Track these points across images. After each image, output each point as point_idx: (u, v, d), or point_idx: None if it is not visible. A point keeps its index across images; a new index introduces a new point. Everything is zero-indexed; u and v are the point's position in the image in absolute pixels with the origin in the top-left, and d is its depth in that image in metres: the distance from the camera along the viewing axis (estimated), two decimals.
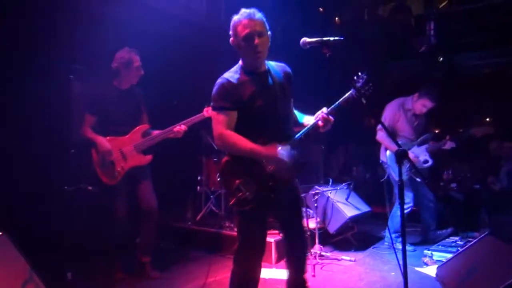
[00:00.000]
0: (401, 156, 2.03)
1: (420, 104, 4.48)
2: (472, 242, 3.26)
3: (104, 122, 3.52)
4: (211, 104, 2.33)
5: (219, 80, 2.31)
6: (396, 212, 4.51)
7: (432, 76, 6.94)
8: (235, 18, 2.29)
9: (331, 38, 2.23)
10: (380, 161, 4.70)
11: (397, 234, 4.48)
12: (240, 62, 2.38)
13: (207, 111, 3.54)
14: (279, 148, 2.22)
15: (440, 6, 8.03)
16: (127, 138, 3.51)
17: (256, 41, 2.22)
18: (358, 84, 2.36)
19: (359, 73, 2.39)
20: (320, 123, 2.34)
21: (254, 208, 2.23)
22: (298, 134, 2.36)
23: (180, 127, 3.55)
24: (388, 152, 4.51)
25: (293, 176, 2.41)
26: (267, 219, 2.45)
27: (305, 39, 2.27)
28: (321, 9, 8.68)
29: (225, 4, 6.46)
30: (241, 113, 2.28)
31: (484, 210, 5.16)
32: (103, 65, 3.67)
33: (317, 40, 2.25)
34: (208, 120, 3.83)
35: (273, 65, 2.45)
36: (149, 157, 3.58)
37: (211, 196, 5.15)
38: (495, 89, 6.58)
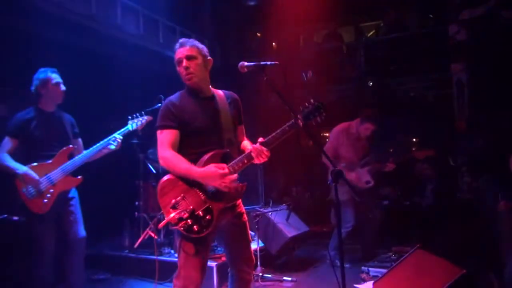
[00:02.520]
0: (336, 176, 2.12)
1: (364, 128, 4.73)
2: (404, 256, 3.42)
3: (28, 147, 3.26)
4: (156, 125, 2.38)
5: (164, 102, 2.42)
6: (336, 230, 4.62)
7: (363, 99, 7.35)
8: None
9: (268, 63, 2.30)
10: (328, 182, 4.82)
11: (336, 252, 4.59)
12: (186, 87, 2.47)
13: (132, 124, 3.45)
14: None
15: (369, 35, 8.63)
16: (53, 162, 3.26)
17: (185, 63, 2.34)
18: (304, 112, 2.29)
19: (311, 100, 2.31)
20: (252, 154, 2.29)
21: (189, 228, 2.21)
22: (231, 163, 2.30)
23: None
24: None
25: (234, 199, 2.40)
26: (208, 243, 2.41)
27: (243, 63, 2.33)
28: (258, 34, 8.96)
29: (162, 28, 6.45)
30: (182, 134, 2.34)
31: (414, 225, 5.48)
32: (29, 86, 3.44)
33: (254, 64, 2.31)
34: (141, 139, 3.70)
35: (220, 93, 2.52)
36: (79, 179, 3.35)
37: (150, 222, 4.96)
38: (419, 112, 7.09)
